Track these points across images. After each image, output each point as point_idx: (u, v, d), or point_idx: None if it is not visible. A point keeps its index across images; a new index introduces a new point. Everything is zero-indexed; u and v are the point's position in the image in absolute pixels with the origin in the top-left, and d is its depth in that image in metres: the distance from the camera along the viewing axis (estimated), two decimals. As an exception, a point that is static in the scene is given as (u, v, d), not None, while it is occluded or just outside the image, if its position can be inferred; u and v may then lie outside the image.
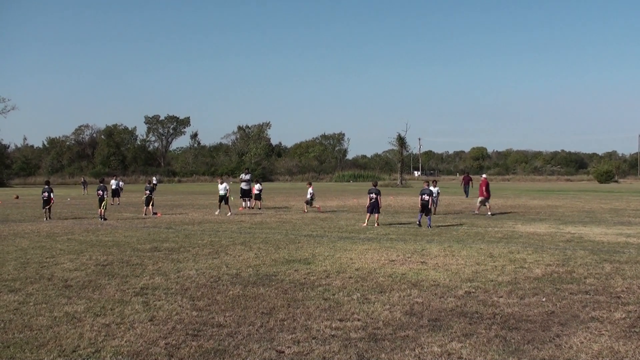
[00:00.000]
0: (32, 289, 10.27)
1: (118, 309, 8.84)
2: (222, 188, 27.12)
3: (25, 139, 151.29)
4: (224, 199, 27.12)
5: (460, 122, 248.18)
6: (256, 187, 31.26)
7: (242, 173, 33.34)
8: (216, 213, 27.10)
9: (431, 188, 25.12)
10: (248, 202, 31.20)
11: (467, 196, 43.11)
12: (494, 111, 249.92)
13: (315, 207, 29.21)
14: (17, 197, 44.45)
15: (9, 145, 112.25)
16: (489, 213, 26.51)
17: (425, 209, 21.00)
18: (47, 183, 27.17)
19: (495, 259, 13.45)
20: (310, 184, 30.20)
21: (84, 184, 57.25)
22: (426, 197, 20.98)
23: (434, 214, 25.71)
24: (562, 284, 10.65)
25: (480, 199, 27.01)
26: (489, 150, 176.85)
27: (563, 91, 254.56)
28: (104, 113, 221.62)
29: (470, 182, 44.67)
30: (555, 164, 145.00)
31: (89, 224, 22.34)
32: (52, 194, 25.68)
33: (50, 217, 25.06)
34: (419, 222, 21.02)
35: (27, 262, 13.17)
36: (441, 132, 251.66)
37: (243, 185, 31.72)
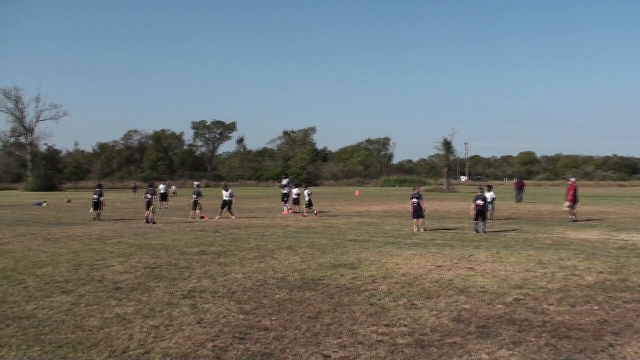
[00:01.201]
0: (84, 291, 10.51)
1: (166, 311, 8.97)
2: (226, 195, 27.96)
3: (76, 144, 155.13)
4: (227, 204, 27.89)
5: (508, 126, 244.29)
6: (294, 192, 31.85)
7: (282, 178, 34.14)
8: (216, 217, 27.43)
9: (486, 193, 24.82)
10: (288, 207, 31.71)
11: (517, 201, 42.47)
12: (543, 115, 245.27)
13: (312, 210, 30.04)
14: (69, 201, 45.58)
15: (61, 151, 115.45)
16: (571, 218, 25.95)
17: (480, 214, 20.67)
18: (99, 186, 27.84)
19: (545, 266, 13.19)
20: (306, 187, 31.14)
21: (134, 188, 58.45)
22: (480, 202, 20.67)
23: (491, 219, 25.46)
24: (615, 292, 10.38)
25: (567, 203, 26.45)
26: (538, 155, 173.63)
27: (615, 95, 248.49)
28: (152, 118, 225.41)
29: (523, 187, 44.07)
30: (607, 169, 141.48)
31: (138, 227, 22.74)
32: (102, 197, 26.33)
33: (99, 218, 25.71)
34: (476, 229, 20.69)
35: (79, 264, 13.48)
36: (488, 137, 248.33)
37: (283, 190, 32.63)
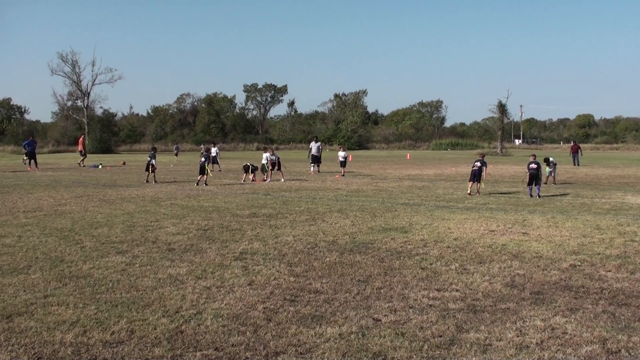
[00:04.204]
0: (138, 251, 10.72)
1: (218, 272, 9.07)
2: (264, 157, 28.34)
3: (131, 107, 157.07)
4: (275, 165, 28.32)
5: (565, 88, 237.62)
6: (341, 155, 32.00)
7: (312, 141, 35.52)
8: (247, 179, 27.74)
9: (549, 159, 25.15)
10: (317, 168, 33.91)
11: (574, 165, 41.54)
12: (602, 77, 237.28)
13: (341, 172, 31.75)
14: (124, 163, 46.45)
15: (116, 114, 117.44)
16: None
17: (534, 178, 20.27)
18: (153, 149, 28.26)
19: (602, 232, 12.82)
20: (342, 148, 33.46)
21: (177, 149, 59.71)
22: (534, 166, 20.27)
23: (554, 183, 25.33)
24: (677, 259, 10.01)
25: None
26: (596, 118, 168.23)
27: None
28: (204, 82, 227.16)
29: (579, 151, 43.21)
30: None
31: (191, 189, 23.05)
32: (154, 160, 26.69)
33: (155, 181, 26.15)
34: (530, 193, 20.33)
35: (133, 226, 13.75)
36: (545, 99, 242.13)
37: (313, 152, 34.09)
